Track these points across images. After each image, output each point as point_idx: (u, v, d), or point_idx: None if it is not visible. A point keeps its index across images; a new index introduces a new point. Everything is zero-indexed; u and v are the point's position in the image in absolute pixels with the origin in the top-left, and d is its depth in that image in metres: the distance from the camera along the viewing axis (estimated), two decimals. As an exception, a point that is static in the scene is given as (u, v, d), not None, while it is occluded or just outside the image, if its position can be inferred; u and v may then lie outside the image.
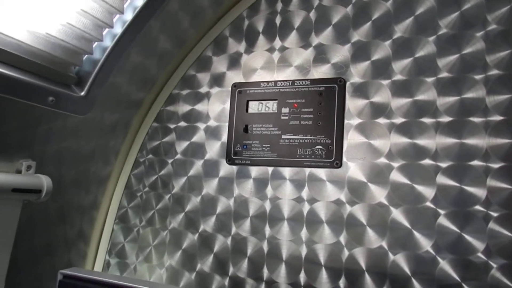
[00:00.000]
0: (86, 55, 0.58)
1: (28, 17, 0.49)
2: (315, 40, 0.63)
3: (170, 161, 0.71)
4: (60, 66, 0.56)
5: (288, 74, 0.64)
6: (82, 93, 0.59)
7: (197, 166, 0.68)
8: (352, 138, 0.59)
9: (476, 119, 0.52)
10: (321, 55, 0.62)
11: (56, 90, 0.55)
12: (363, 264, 0.55)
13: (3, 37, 0.48)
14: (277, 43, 0.66)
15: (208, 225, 0.65)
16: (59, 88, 0.56)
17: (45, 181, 0.57)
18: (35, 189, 0.56)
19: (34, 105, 0.53)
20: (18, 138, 0.55)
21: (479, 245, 0.50)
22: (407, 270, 0.53)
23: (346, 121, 0.59)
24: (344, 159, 0.59)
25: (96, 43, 0.58)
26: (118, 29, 0.58)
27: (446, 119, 0.54)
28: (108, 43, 0.58)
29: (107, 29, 0.57)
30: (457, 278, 0.50)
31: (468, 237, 0.51)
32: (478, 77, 0.53)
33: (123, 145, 0.74)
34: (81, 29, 0.53)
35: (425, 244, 0.52)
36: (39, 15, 0.50)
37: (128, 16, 0.58)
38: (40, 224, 0.65)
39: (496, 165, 0.51)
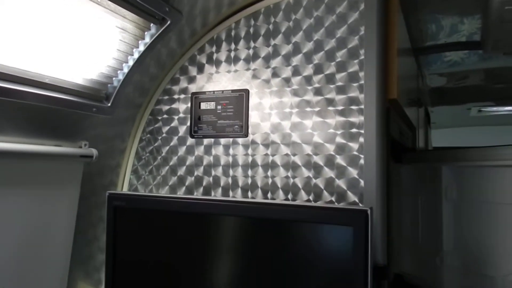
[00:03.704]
0: (109, 84, 1.10)
1: (84, 71, 1.01)
2: (233, 68, 1.14)
3: (159, 137, 1.24)
4: (97, 92, 1.08)
5: (220, 87, 1.16)
6: (109, 104, 1.12)
7: (174, 140, 1.21)
8: (252, 121, 1.11)
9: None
10: (236, 76, 1.14)
11: (96, 104, 1.08)
12: (259, 184, 1.09)
13: (71, 81, 1.00)
14: (214, 69, 1.17)
15: (182, 171, 1.19)
16: (97, 103, 1.08)
17: (94, 151, 1.10)
18: (90, 156, 1.09)
19: (87, 113, 1.06)
20: (78, 129, 1.08)
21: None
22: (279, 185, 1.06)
23: (249, 112, 1.11)
24: (249, 132, 1.11)
25: (114, 78, 1.10)
26: (126, 70, 1.10)
27: (295, 110, 1.06)
28: (121, 77, 1.10)
29: (120, 71, 1.09)
30: (345, 188, 1.03)
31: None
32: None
33: (132, 129, 1.26)
34: (107, 73, 1.06)
35: (283, 172, 1.06)
36: (89, 69, 1.01)
37: (131, 63, 1.09)
38: (87, 177, 1.19)
39: (339, 131, 1.03)
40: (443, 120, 4.03)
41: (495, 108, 3.45)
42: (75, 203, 1.11)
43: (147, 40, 1.07)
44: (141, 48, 1.08)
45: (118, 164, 1.27)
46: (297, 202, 0.99)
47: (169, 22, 1.04)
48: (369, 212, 0.76)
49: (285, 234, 0.86)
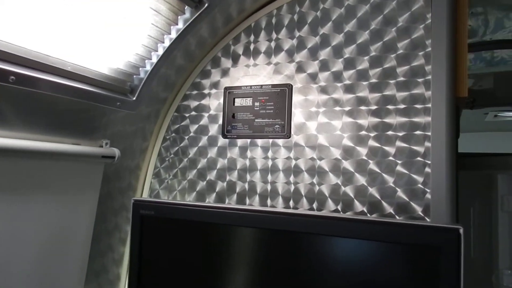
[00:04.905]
0: (135, 76, 0.97)
1: (109, 59, 0.87)
2: (274, 59, 1.02)
3: (186, 137, 1.10)
4: (122, 84, 0.95)
5: (258, 81, 1.03)
6: (134, 98, 0.98)
7: (204, 139, 1.08)
8: (296, 121, 0.98)
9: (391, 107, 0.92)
10: (278, 69, 1.01)
11: (120, 98, 0.94)
12: (303, 192, 0.96)
13: (95, 70, 0.87)
14: (251, 61, 1.04)
15: (212, 175, 1.06)
16: (121, 96, 0.95)
17: (116, 152, 0.96)
18: (112, 156, 0.95)
19: (111, 108, 0.92)
20: (98, 126, 0.95)
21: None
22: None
23: (292, 110, 0.99)
24: (292, 132, 0.98)
25: (142, 68, 0.96)
26: (154, 59, 0.96)
27: (347, 108, 0.93)
28: (148, 67, 0.97)
29: (147, 60, 0.96)
30: (407, 199, 0.89)
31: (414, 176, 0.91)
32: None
33: (155, 127, 1.13)
34: (134, 63, 0.92)
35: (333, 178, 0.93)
36: (116, 57, 0.88)
37: (160, 51, 0.96)
38: (103, 180, 1.05)
39: (400, 133, 0.90)
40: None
41: (512, 114, 3.35)
42: (93, 209, 0.97)
43: (180, 25, 0.94)
44: (173, 35, 0.95)
45: (138, 166, 1.13)
46: (363, 217, 0.86)
47: (206, 5, 0.91)
48: (461, 231, 0.63)
49: (346, 256, 0.73)
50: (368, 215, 0.89)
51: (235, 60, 1.06)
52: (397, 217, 0.86)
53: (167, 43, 0.95)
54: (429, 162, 0.85)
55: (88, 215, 0.96)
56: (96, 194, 0.96)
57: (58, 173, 0.87)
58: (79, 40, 0.78)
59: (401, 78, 0.89)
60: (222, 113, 1.06)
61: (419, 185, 0.85)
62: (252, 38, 1.04)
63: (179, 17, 0.92)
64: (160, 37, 0.93)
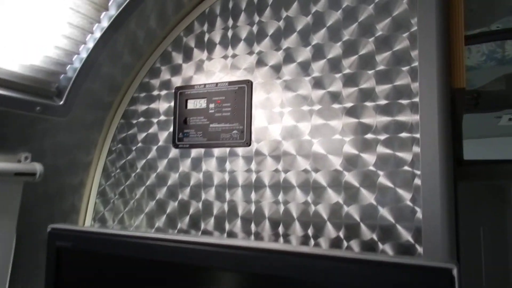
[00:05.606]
0: (62, 75, 0.81)
1: (19, 54, 0.71)
2: (231, 51, 0.84)
3: (134, 148, 0.93)
4: (44, 84, 0.78)
5: (213, 78, 0.86)
6: (61, 102, 0.82)
7: (153, 151, 0.91)
8: (256, 124, 0.80)
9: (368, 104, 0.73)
10: (235, 63, 0.84)
11: (42, 102, 0.78)
12: (266, 213, 0.77)
13: (2, 70, 0.71)
14: (205, 55, 0.87)
15: (162, 193, 0.88)
16: (44, 100, 0.79)
17: (38, 167, 0.79)
18: (31, 173, 0.79)
19: (29, 114, 0.76)
20: (19, 138, 0.78)
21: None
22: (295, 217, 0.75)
23: (252, 111, 0.81)
24: (252, 139, 0.80)
25: (69, 65, 0.80)
26: (84, 54, 0.80)
27: (317, 107, 0.75)
28: (77, 64, 0.80)
29: (76, 56, 0.79)
30: (392, 221, 0.69)
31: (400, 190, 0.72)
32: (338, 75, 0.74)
33: (99, 138, 0.96)
34: (57, 59, 0.76)
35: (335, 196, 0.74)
36: (27, 51, 0.72)
37: (90, 44, 0.80)
38: (43, 201, 0.89)
39: (382, 137, 0.71)
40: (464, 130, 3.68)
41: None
42: (10, 239, 0.80)
43: (113, 12, 0.77)
44: (104, 23, 0.78)
45: (82, 183, 0.96)
46: (331, 252, 0.68)
47: (140, -14, 0.74)
48: (455, 272, 0.44)
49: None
50: (345, 242, 0.70)
51: (188, 54, 0.89)
52: (380, 245, 0.67)
53: (97, 34, 0.79)
54: (418, 172, 0.66)
55: (3, 247, 0.78)
56: (13, 219, 0.79)
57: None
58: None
59: (381, 67, 0.70)
60: (173, 118, 0.89)
61: (407, 202, 0.66)
62: (205, 27, 0.87)
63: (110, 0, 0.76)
64: (87, 26, 0.76)
